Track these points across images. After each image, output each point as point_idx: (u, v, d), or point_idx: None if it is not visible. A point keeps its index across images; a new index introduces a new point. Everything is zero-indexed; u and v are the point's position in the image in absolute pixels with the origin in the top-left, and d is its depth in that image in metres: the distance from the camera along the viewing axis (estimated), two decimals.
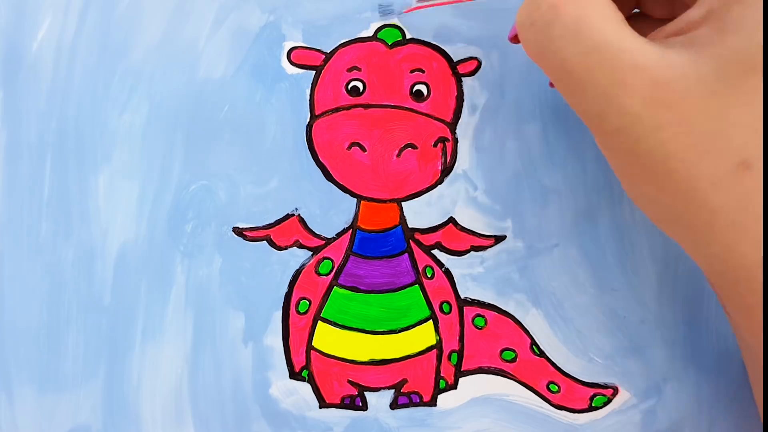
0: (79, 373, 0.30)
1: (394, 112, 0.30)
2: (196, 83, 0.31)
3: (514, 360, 0.30)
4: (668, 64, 0.19)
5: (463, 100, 0.31)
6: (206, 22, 0.31)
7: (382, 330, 0.30)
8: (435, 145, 0.30)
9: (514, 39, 0.27)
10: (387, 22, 0.31)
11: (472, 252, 0.30)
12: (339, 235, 0.30)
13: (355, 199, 0.30)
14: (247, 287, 0.30)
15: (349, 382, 0.30)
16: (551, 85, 0.28)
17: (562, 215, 0.30)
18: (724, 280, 0.22)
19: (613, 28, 0.20)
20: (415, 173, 0.30)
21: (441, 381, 0.30)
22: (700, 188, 0.20)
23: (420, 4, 0.29)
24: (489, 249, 0.31)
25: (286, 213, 0.30)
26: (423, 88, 0.30)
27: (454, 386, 0.30)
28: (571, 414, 0.30)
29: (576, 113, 0.22)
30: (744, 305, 0.22)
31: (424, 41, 0.31)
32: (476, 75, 0.31)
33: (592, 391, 0.30)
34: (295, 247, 0.30)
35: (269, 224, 0.30)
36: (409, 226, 0.30)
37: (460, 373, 0.30)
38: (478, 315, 0.30)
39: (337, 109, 0.30)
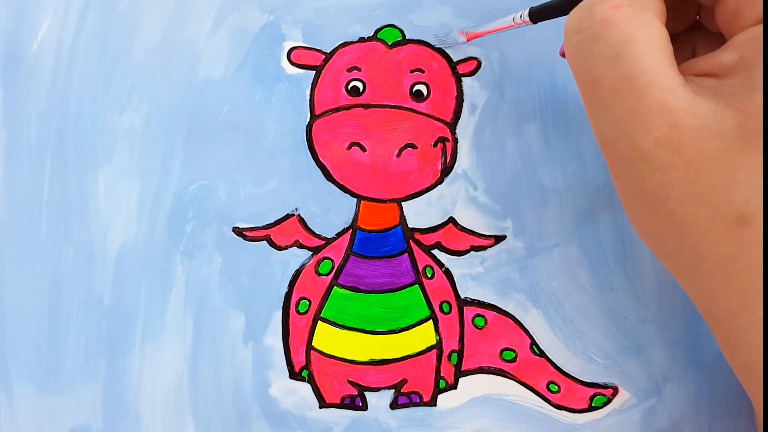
0: (79, 373, 0.30)
1: (394, 112, 0.30)
2: (196, 83, 0.31)
3: (514, 360, 0.30)
4: (693, 111, 0.19)
5: (463, 100, 0.31)
6: (206, 22, 0.31)
7: (382, 330, 0.30)
8: (435, 145, 0.30)
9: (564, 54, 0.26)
10: (387, 23, 0.31)
11: (472, 252, 0.30)
12: (339, 235, 0.30)
13: (355, 199, 0.30)
14: (247, 287, 0.30)
15: (349, 382, 0.30)
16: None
17: (562, 215, 0.30)
18: (710, 318, 0.22)
19: (654, 60, 0.19)
20: (415, 173, 0.30)
21: (441, 381, 0.30)
22: (694, 233, 0.20)
23: (474, 31, 0.29)
24: (489, 249, 0.30)
25: (286, 213, 0.30)
26: (423, 88, 0.30)
27: (454, 386, 0.30)
28: (571, 414, 0.30)
29: (594, 132, 0.22)
30: (728, 346, 0.22)
31: (424, 41, 0.31)
32: (476, 75, 0.31)
33: (592, 391, 0.30)
34: (295, 247, 0.30)
35: (269, 224, 0.30)
36: (409, 226, 0.30)
37: (460, 373, 0.30)
38: (478, 315, 0.30)
39: (337, 109, 0.30)
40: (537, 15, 0.25)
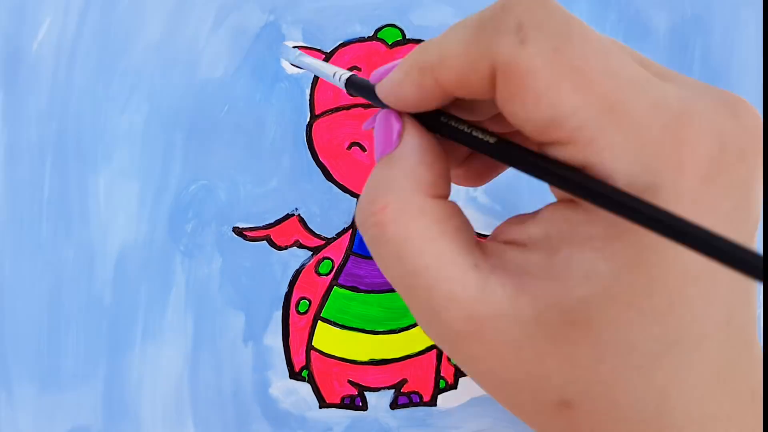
0: (79, 373, 0.30)
1: None
2: (196, 83, 0.31)
3: None
4: (486, 299, 0.18)
5: None
6: (206, 22, 0.31)
7: (382, 330, 0.30)
8: None
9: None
10: (387, 23, 0.31)
11: None
12: (339, 234, 0.30)
13: (355, 199, 0.30)
14: (247, 287, 0.30)
15: (349, 382, 0.30)
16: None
17: None
18: None
19: (434, 252, 0.18)
20: None
21: (441, 381, 0.30)
22: (526, 413, 0.19)
23: (301, 60, 0.28)
24: None
25: (286, 213, 0.30)
26: None
27: (454, 386, 0.30)
28: None
29: None
30: None
31: (424, 41, 0.31)
32: None
33: None
34: (295, 247, 0.30)
35: (269, 224, 0.30)
36: None
37: (460, 372, 0.30)
38: None
39: (337, 109, 0.30)
40: (351, 87, 0.24)
